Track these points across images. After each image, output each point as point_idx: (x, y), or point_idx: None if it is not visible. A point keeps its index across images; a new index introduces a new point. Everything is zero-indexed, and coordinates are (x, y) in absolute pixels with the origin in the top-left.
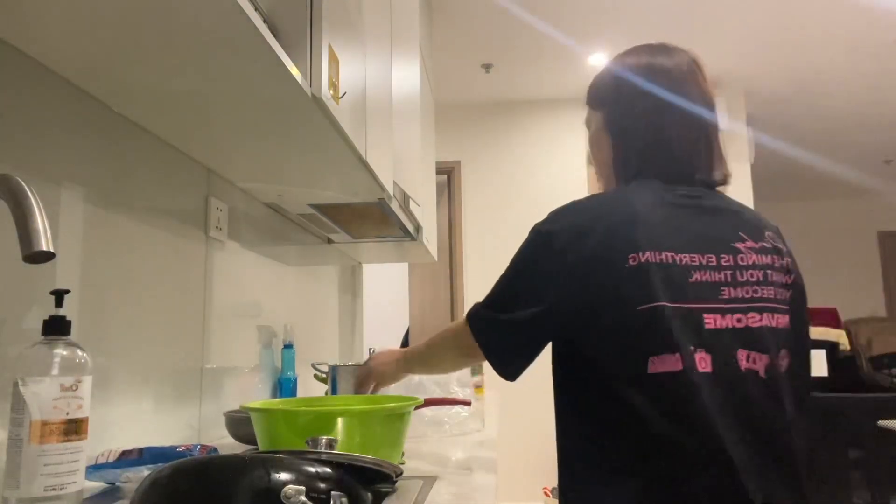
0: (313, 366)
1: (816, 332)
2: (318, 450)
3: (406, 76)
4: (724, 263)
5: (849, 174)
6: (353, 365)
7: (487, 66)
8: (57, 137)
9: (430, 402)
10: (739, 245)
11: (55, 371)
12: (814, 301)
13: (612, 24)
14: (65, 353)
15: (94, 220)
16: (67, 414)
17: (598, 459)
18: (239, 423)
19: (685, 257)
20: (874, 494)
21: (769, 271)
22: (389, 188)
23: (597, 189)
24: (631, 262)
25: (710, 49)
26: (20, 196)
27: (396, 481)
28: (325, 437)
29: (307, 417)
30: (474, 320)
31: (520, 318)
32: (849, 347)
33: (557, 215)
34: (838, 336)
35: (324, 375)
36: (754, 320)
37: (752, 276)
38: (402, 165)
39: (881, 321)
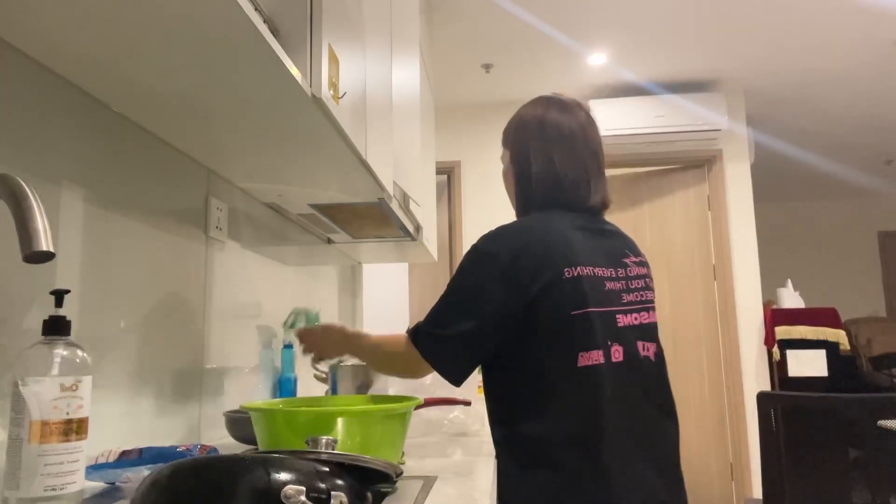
0: (313, 366)
1: (816, 333)
2: (318, 450)
3: (406, 76)
4: (621, 275)
5: (849, 174)
6: (353, 365)
7: (487, 66)
8: (57, 137)
9: (429, 402)
10: (627, 260)
11: (55, 371)
12: (814, 301)
13: (612, 24)
14: (65, 353)
15: (94, 220)
16: (67, 414)
17: (528, 446)
18: (238, 424)
19: (600, 270)
20: (874, 494)
21: (646, 279)
22: (389, 188)
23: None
24: (566, 274)
25: (711, 49)
26: (20, 196)
27: (396, 481)
28: (325, 438)
29: (307, 417)
30: (421, 339)
31: (465, 330)
32: (849, 347)
33: (497, 239)
34: (838, 336)
35: (324, 375)
36: (644, 318)
37: (638, 283)
38: (402, 165)
39: (881, 321)
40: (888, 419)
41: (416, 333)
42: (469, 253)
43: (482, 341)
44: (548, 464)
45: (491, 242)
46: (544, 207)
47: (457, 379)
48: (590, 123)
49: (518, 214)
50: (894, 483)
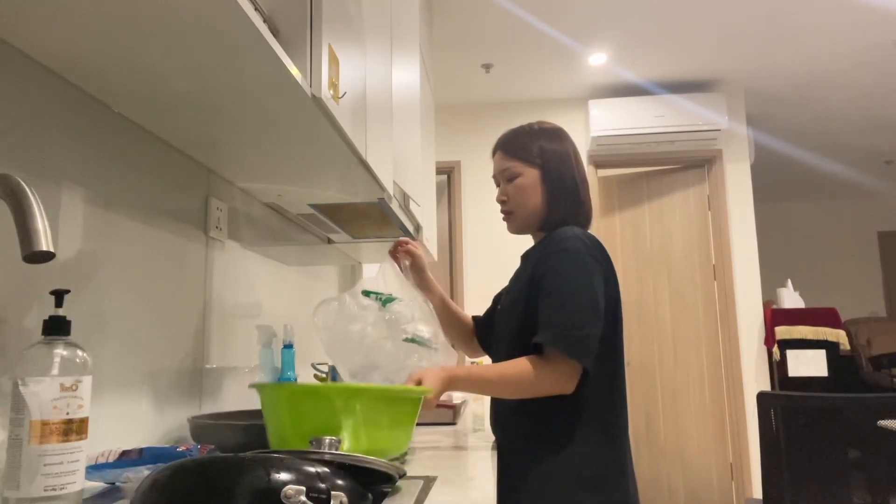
0: (313, 366)
1: (816, 333)
2: (320, 450)
3: (406, 76)
4: None
5: (849, 174)
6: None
7: (487, 66)
8: (57, 137)
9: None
10: None
11: (55, 371)
12: (814, 301)
13: (612, 24)
14: (65, 353)
15: (94, 220)
16: (67, 414)
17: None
18: (204, 430)
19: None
20: (874, 494)
21: None
22: (389, 188)
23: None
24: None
25: (711, 49)
26: (20, 196)
27: (397, 481)
28: (329, 438)
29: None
30: (564, 342)
31: (596, 330)
32: (849, 347)
33: (590, 244)
34: (838, 336)
35: (324, 375)
36: None
37: None
38: (402, 165)
39: (881, 321)
40: (888, 419)
41: (553, 339)
42: (571, 256)
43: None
44: (620, 445)
45: (592, 248)
46: (566, 223)
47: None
48: (576, 147)
49: (542, 227)
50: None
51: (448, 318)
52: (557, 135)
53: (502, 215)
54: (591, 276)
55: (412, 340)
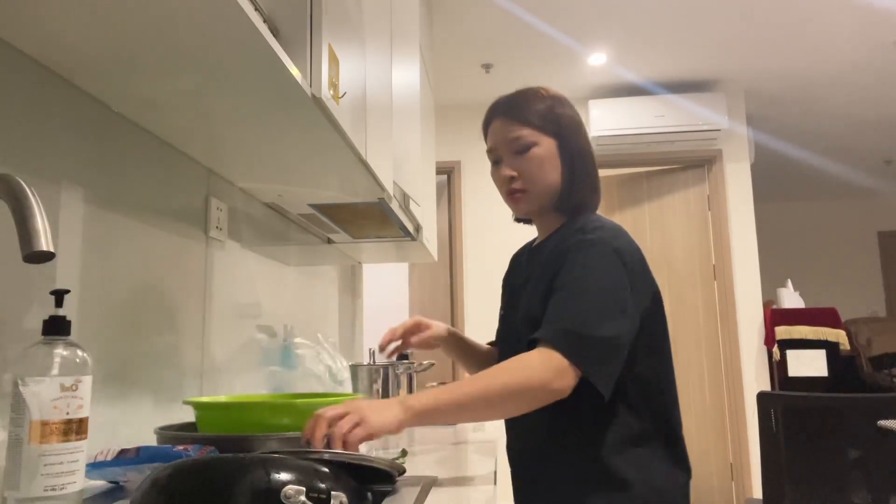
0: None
1: (816, 333)
2: (320, 449)
3: (406, 76)
4: None
5: (849, 174)
6: (356, 364)
7: (487, 66)
8: (57, 137)
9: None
10: None
11: (55, 371)
12: (814, 301)
13: (612, 24)
14: (65, 353)
15: (94, 220)
16: (67, 414)
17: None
18: (170, 443)
19: None
20: (874, 494)
21: None
22: (389, 188)
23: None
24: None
25: (711, 49)
26: (20, 196)
27: (397, 481)
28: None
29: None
30: (566, 341)
31: (618, 332)
32: (849, 347)
33: (616, 233)
34: (838, 336)
35: None
36: None
37: None
38: (402, 165)
39: (881, 321)
40: (888, 419)
41: (555, 336)
42: (595, 249)
43: (627, 345)
44: (681, 453)
45: (618, 240)
46: (584, 208)
47: (608, 387)
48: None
49: (560, 207)
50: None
51: (464, 351)
52: (568, 101)
53: (512, 194)
54: (617, 271)
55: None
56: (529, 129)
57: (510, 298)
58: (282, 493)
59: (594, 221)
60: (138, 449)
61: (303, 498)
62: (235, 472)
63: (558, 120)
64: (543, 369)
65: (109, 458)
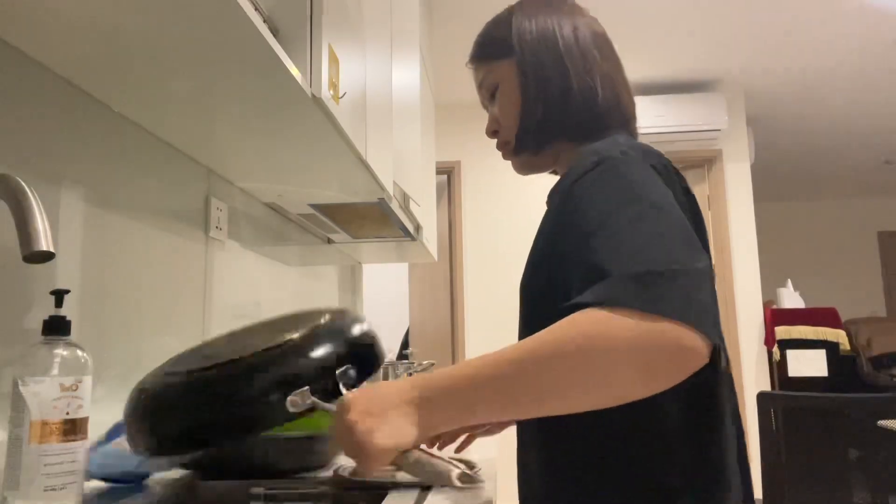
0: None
1: (816, 333)
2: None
3: (406, 76)
4: None
5: (849, 174)
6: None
7: None
8: (57, 137)
9: None
10: None
11: (55, 371)
12: (814, 301)
13: (611, 24)
14: (65, 353)
15: (94, 220)
16: (67, 414)
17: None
18: None
19: None
20: (874, 494)
21: None
22: (389, 188)
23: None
24: None
25: (711, 49)
26: (20, 196)
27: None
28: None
29: None
30: (638, 290)
31: (703, 264)
32: (849, 347)
33: (646, 151)
34: (838, 336)
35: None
36: None
37: None
38: (402, 165)
39: (881, 321)
40: (888, 419)
41: (613, 288)
42: (627, 165)
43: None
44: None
45: (652, 157)
46: (613, 127)
47: (720, 336)
48: (598, 25)
49: (529, 143)
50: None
51: None
52: (546, 4)
53: (501, 151)
54: (654, 183)
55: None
56: (489, 65)
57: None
58: (288, 403)
59: (599, 143)
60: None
61: (311, 399)
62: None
63: (519, 35)
64: (628, 339)
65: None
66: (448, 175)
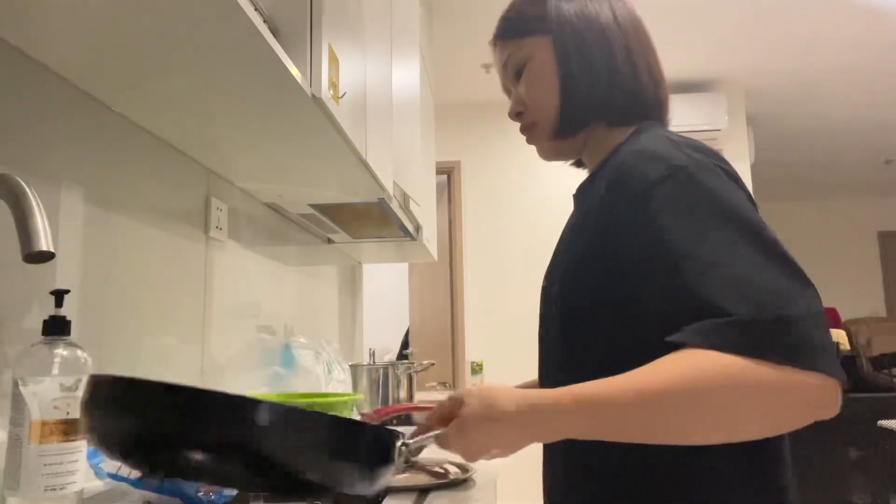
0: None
1: None
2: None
3: (406, 76)
4: None
5: (849, 174)
6: (356, 364)
7: (487, 66)
8: (57, 137)
9: (381, 413)
10: None
11: (55, 371)
12: None
13: None
14: (65, 353)
15: (94, 220)
16: (67, 414)
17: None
18: None
19: None
20: (874, 494)
21: None
22: (389, 188)
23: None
24: None
25: (711, 49)
26: (20, 196)
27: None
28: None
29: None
30: (774, 340)
31: (813, 291)
32: (849, 347)
33: (707, 151)
34: (838, 336)
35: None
36: None
37: None
38: (402, 165)
39: (881, 321)
40: (888, 419)
41: (748, 335)
42: (682, 179)
43: None
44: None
45: (717, 159)
46: (653, 116)
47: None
48: (634, 10)
49: (568, 128)
50: (894, 483)
51: None
52: None
53: (525, 134)
54: (737, 196)
55: None
56: (519, 42)
57: (550, 263)
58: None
59: (645, 137)
60: (163, 480)
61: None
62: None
63: (554, 11)
64: (813, 395)
65: (133, 476)
66: (448, 175)
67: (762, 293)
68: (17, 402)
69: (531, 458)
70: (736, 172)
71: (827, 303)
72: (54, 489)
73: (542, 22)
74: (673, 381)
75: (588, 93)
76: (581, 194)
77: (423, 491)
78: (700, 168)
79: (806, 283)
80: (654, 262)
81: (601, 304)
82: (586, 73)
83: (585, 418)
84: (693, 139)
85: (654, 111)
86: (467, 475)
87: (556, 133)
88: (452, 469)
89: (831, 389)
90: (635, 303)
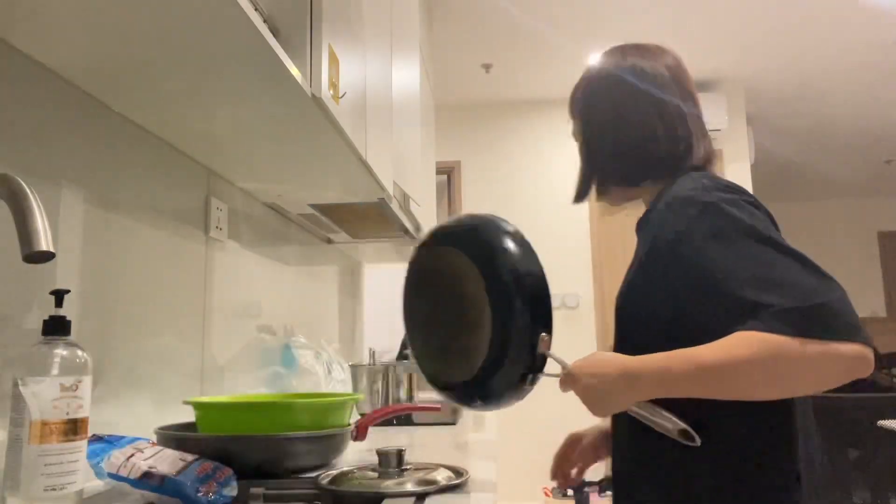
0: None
1: None
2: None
3: (406, 76)
4: None
5: (849, 174)
6: (356, 364)
7: (487, 66)
8: (57, 137)
9: (380, 413)
10: None
11: (55, 371)
12: None
13: (612, 24)
14: (65, 353)
15: (94, 220)
16: (67, 414)
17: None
18: (168, 443)
19: None
20: (874, 494)
21: None
22: (389, 188)
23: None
24: None
25: (711, 49)
26: (20, 196)
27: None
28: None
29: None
30: (813, 322)
31: (834, 281)
32: None
33: (742, 190)
34: None
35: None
36: None
37: None
38: (402, 165)
39: (881, 321)
40: (888, 419)
41: (791, 321)
42: (740, 204)
43: None
44: None
45: (746, 194)
46: (689, 166)
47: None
48: (679, 65)
49: (604, 185)
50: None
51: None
52: (618, 53)
53: None
54: (764, 222)
55: None
56: (573, 125)
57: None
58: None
59: (682, 183)
60: (163, 478)
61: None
62: None
63: (584, 88)
64: (830, 360)
65: (132, 476)
66: (448, 175)
67: (796, 288)
68: (17, 402)
69: (531, 458)
70: (759, 202)
71: None
72: (54, 489)
73: (577, 104)
74: (744, 354)
75: (590, 168)
76: (640, 231)
77: (421, 497)
78: (727, 203)
79: (828, 277)
80: (698, 282)
81: (652, 321)
82: (595, 151)
83: (687, 378)
84: (724, 180)
85: (695, 161)
86: (462, 479)
87: (580, 195)
88: (447, 473)
89: (866, 355)
90: (685, 317)
